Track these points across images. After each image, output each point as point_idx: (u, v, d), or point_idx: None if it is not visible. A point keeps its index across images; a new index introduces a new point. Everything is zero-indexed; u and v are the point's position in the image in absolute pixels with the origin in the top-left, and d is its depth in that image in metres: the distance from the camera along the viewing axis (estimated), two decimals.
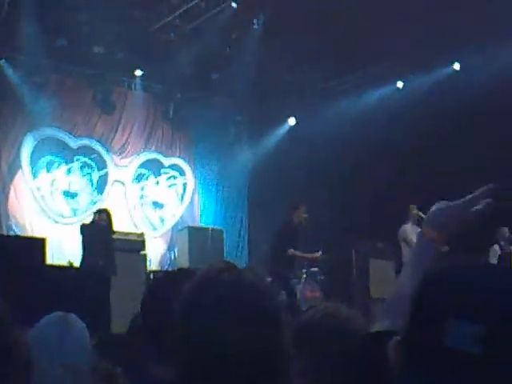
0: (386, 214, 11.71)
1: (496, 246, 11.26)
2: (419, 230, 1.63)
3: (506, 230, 11.32)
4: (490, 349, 1.00)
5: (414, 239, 1.65)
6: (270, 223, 11.52)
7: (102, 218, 10.02)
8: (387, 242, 11.07)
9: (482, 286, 1.07)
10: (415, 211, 10.79)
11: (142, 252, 11.03)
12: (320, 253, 10.50)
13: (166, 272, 7.89)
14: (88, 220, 10.79)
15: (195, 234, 12.90)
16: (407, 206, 10.83)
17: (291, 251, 9.85)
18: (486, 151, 11.08)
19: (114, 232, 10.17)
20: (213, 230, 13.25)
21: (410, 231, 10.65)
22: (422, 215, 10.78)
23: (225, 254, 12.81)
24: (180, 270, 2.33)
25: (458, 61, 13.00)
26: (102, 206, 11.51)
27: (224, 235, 13.24)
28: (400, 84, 13.69)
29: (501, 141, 11.08)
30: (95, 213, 10.41)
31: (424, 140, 11.96)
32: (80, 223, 10.99)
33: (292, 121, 15.06)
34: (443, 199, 1.58)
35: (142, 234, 11.82)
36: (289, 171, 13.86)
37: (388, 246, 11.16)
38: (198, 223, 14.60)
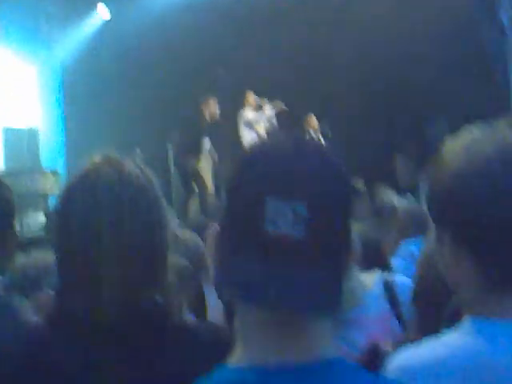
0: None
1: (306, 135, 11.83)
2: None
3: (313, 120, 11.89)
4: (311, 230, 0.98)
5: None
6: (86, 122, 11.43)
7: None
8: None
9: (300, 164, 1.03)
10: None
11: None
12: None
13: None
14: None
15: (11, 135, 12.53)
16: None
17: None
18: None
19: None
20: (29, 130, 12.90)
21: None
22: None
23: (41, 155, 12.59)
24: None
25: None
26: None
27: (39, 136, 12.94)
28: None
29: None
30: None
31: None
32: None
33: (105, 13, 14.56)
34: None
35: None
36: (103, 67, 13.59)
37: None
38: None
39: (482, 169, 1.24)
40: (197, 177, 10.31)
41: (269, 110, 11.58)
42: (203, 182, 10.37)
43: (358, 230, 3.07)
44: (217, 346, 1.15)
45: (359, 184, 10.74)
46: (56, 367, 1.36)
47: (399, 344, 1.82)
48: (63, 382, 1.36)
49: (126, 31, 13.33)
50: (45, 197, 10.45)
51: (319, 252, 1.00)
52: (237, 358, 1.07)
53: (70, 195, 1.47)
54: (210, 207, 9.35)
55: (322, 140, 11.70)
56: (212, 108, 10.33)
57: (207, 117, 10.33)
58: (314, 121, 11.81)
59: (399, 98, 11.30)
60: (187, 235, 3.10)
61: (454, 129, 1.41)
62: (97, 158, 1.53)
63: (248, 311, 1.05)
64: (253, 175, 1.03)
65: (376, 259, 3.17)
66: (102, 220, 1.41)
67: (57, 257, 1.47)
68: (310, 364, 1.03)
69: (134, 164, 1.50)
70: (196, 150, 10.33)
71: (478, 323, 1.28)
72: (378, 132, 11.22)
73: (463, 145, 1.29)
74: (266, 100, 11.50)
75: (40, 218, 10.34)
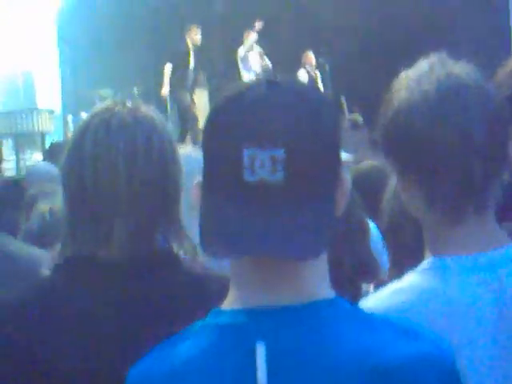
0: None
1: (302, 71, 11.73)
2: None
3: (310, 54, 11.74)
4: (291, 174, 0.97)
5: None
6: (81, 62, 11.36)
7: None
8: None
9: (275, 108, 0.99)
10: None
11: None
12: None
13: None
14: None
15: (5, 77, 12.51)
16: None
17: None
18: None
19: None
20: (23, 71, 12.87)
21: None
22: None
23: (37, 95, 12.58)
24: None
25: None
26: None
27: (34, 76, 12.92)
28: None
29: None
30: None
31: None
32: None
33: None
34: None
35: None
36: (97, 7, 13.47)
37: None
38: None
39: (420, 99, 1.25)
40: (191, 111, 10.26)
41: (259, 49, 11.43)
42: (196, 117, 10.30)
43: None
44: (218, 294, 1.12)
45: (357, 116, 10.70)
46: (68, 309, 1.36)
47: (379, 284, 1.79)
48: (77, 322, 1.35)
49: None
50: (42, 135, 10.43)
51: (301, 195, 0.98)
52: (229, 302, 1.07)
53: (83, 133, 1.41)
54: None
55: (318, 74, 11.62)
56: (194, 35, 10.20)
57: (190, 44, 10.25)
58: (310, 56, 11.69)
59: (398, 32, 11.17)
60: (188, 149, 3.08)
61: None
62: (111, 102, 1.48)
63: (237, 260, 1.05)
64: (227, 124, 1.00)
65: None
66: (116, 155, 1.37)
67: (67, 195, 1.42)
68: (302, 305, 1.02)
69: (148, 107, 1.46)
70: (190, 83, 10.31)
71: (436, 262, 1.28)
72: (378, 65, 11.12)
73: (405, 80, 1.30)
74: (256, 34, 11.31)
75: (37, 156, 10.35)
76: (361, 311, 1.10)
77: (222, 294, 1.10)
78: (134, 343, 1.23)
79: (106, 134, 1.39)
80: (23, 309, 1.37)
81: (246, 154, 0.96)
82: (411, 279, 1.29)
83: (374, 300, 1.28)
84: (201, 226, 1.00)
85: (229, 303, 1.07)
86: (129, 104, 1.46)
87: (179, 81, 10.00)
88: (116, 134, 1.39)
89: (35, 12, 15.34)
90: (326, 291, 1.06)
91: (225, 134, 1.00)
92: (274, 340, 1.02)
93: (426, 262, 1.28)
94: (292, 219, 0.97)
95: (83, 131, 1.42)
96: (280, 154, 0.96)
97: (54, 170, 3.50)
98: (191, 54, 10.17)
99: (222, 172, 0.99)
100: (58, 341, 1.36)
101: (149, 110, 1.46)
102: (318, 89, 6.90)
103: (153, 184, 1.39)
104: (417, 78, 1.29)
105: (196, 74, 10.43)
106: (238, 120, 0.99)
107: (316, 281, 1.06)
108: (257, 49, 11.24)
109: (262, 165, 0.96)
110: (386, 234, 1.91)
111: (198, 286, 1.41)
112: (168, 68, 9.94)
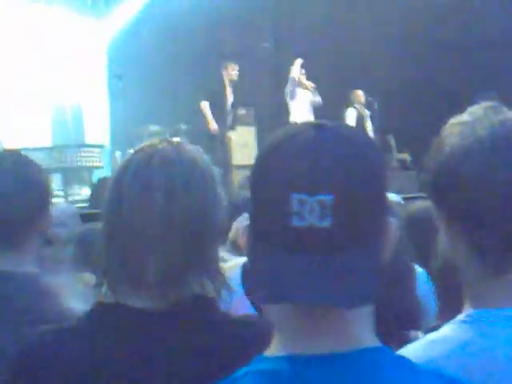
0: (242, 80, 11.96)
1: (351, 109, 11.72)
2: None
3: (360, 92, 11.79)
4: (339, 220, 0.95)
5: None
6: (129, 97, 11.48)
7: None
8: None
9: (325, 154, 0.99)
10: None
11: None
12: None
13: None
14: None
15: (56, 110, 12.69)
16: None
17: None
18: None
19: None
20: (72, 105, 13.03)
21: None
22: None
23: (86, 129, 12.74)
24: None
25: None
26: None
27: (83, 110, 13.08)
28: None
29: None
30: None
31: None
32: None
33: None
34: None
35: None
36: (144, 44, 13.70)
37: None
38: None
39: (474, 146, 1.21)
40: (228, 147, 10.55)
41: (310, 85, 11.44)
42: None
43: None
44: (257, 341, 1.11)
45: (406, 156, 10.62)
46: (94, 358, 1.31)
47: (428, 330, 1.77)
48: (102, 373, 1.30)
49: (166, 10, 13.42)
50: (89, 171, 10.52)
51: (349, 241, 0.97)
52: (274, 349, 1.05)
53: (125, 167, 1.40)
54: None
55: (367, 113, 11.58)
56: (231, 71, 10.36)
57: (226, 81, 10.40)
58: (360, 94, 11.68)
59: (449, 69, 11.11)
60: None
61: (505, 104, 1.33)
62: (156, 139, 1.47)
63: (282, 306, 1.03)
64: (276, 168, 1.00)
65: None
66: (153, 192, 1.35)
67: (105, 229, 1.40)
68: (347, 353, 1.00)
69: (193, 146, 1.46)
70: (228, 119, 10.48)
71: (476, 314, 1.24)
72: (427, 105, 11.04)
73: (458, 126, 1.27)
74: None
75: (85, 191, 10.43)
76: (407, 360, 1.05)
77: (260, 341, 1.08)
78: None
79: (145, 170, 1.37)
80: (54, 354, 1.33)
81: (295, 198, 0.95)
82: (448, 330, 1.26)
83: (409, 351, 1.23)
84: (247, 271, 1.03)
85: (273, 350, 1.05)
86: (175, 141, 1.43)
87: (218, 117, 10.05)
88: (156, 170, 1.36)
89: (86, 44, 15.65)
90: (371, 339, 1.04)
91: (273, 179, 0.99)
92: None
93: (464, 314, 1.25)
94: (340, 266, 0.96)
95: (125, 166, 1.40)
96: (329, 199, 0.95)
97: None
98: (228, 90, 10.28)
99: (269, 216, 0.99)
100: None
101: (193, 148, 1.43)
102: (366, 132, 6.94)
103: (189, 223, 1.34)
104: (471, 123, 1.25)
105: (235, 111, 10.48)
106: (286, 165, 0.99)
107: (361, 328, 1.03)
108: (306, 82, 11.22)
109: (311, 210, 0.95)
110: (437, 277, 1.89)
111: (234, 335, 1.36)
112: (205, 105, 9.97)
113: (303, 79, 11.18)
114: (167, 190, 1.35)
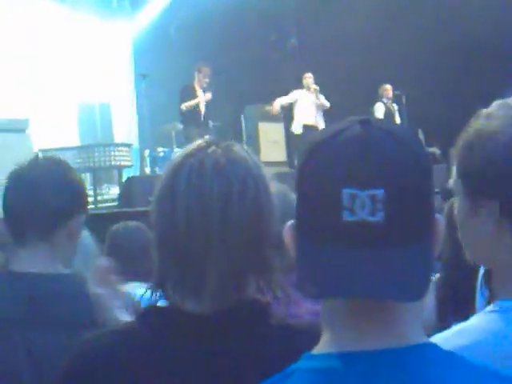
0: (270, 77, 11.96)
1: (379, 104, 11.69)
2: None
3: (388, 87, 11.72)
4: (391, 214, 0.95)
5: None
6: (156, 96, 11.52)
7: None
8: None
9: (373, 148, 0.98)
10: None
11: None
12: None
13: None
14: None
15: (83, 110, 12.75)
16: None
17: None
18: None
19: None
20: (100, 104, 13.10)
21: None
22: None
23: (114, 128, 12.80)
24: None
25: None
26: None
27: (111, 109, 13.14)
28: None
29: None
30: None
31: None
32: None
33: None
34: None
35: None
36: (171, 42, 13.73)
37: None
38: None
39: None
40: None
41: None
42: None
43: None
44: (311, 347, 1.08)
45: (435, 150, 10.53)
46: (150, 362, 1.31)
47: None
48: (159, 375, 1.31)
49: (191, 9, 13.44)
50: (119, 170, 10.56)
51: (401, 235, 0.97)
52: (323, 346, 1.05)
53: (176, 173, 1.37)
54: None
55: (395, 107, 11.52)
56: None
57: (196, 86, 10.65)
58: (388, 89, 11.60)
59: (479, 65, 11.02)
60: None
61: None
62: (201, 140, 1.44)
63: (334, 301, 1.03)
64: (324, 164, 0.99)
65: None
66: (210, 199, 1.33)
67: (157, 237, 1.39)
68: (398, 350, 1.00)
69: (240, 146, 1.43)
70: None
71: (500, 304, 1.25)
72: (455, 98, 10.95)
73: (499, 121, 1.25)
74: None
75: (114, 191, 10.48)
76: (458, 356, 1.03)
77: (313, 347, 1.06)
78: None
79: (199, 177, 1.34)
80: (112, 357, 1.34)
81: (346, 193, 0.95)
82: (476, 321, 1.25)
83: (439, 340, 1.21)
84: (298, 268, 0.99)
85: (321, 347, 1.05)
86: (222, 143, 1.41)
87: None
88: (210, 176, 1.34)
89: (113, 44, 15.69)
90: (420, 335, 1.03)
91: (323, 174, 0.99)
92: None
93: (493, 305, 1.25)
94: (393, 260, 0.95)
95: (176, 172, 1.37)
96: (380, 193, 0.95)
97: None
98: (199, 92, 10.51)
99: (319, 212, 0.98)
100: None
101: (241, 150, 1.41)
102: (405, 127, 6.84)
103: (246, 228, 1.33)
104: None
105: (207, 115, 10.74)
106: (336, 160, 0.98)
107: (411, 324, 1.02)
108: (312, 86, 11.16)
109: (362, 205, 0.95)
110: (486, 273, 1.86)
111: (288, 342, 1.34)
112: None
113: (310, 82, 11.14)
114: (222, 197, 1.33)
